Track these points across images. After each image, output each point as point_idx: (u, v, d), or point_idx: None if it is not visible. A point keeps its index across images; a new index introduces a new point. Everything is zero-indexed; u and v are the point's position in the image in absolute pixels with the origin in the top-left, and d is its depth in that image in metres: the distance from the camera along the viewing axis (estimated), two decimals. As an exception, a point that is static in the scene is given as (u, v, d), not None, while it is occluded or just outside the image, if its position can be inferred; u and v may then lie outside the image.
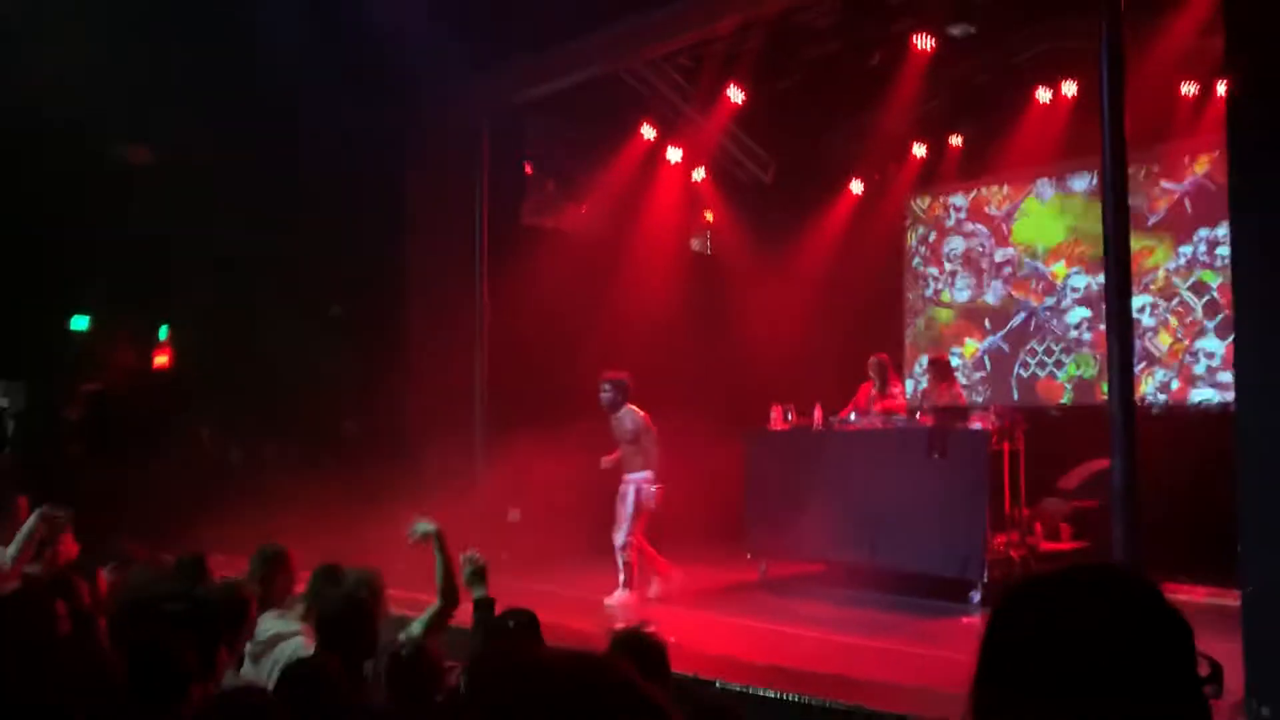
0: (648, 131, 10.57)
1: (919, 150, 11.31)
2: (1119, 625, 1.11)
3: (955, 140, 11.03)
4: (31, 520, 4.70)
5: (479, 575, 3.96)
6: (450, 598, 4.01)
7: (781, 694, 4.09)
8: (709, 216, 12.11)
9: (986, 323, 11.22)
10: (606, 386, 7.85)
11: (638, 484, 7.71)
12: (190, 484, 8.93)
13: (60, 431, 9.59)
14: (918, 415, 8.02)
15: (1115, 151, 5.17)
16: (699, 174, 11.43)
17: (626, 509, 7.67)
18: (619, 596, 7.50)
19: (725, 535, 8.74)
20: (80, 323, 10.50)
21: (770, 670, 4.62)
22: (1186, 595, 7.13)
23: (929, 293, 11.78)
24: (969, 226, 11.46)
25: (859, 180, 11.81)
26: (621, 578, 7.56)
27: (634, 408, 7.80)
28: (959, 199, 11.54)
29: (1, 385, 11.28)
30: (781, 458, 8.44)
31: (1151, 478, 6.16)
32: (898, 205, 11.88)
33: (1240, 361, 4.66)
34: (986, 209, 11.32)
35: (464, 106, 9.30)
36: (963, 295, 11.47)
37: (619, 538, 7.64)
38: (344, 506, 7.97)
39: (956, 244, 11.55)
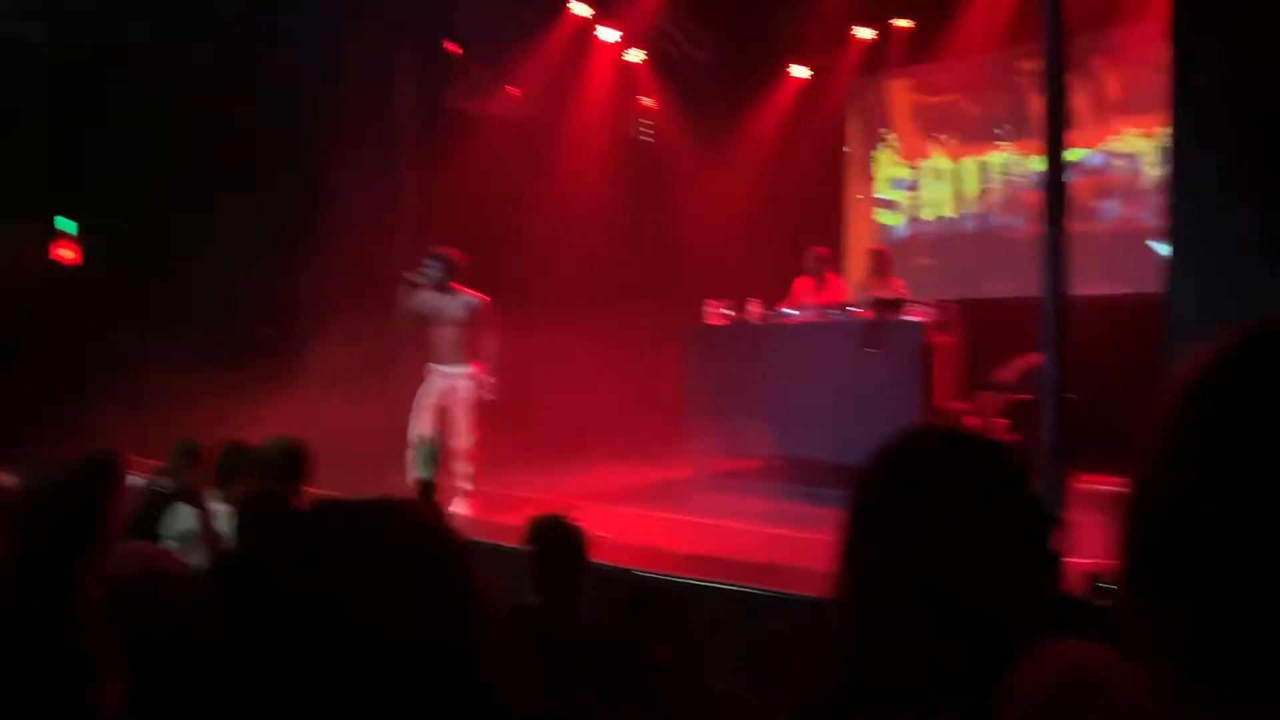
0: (580, 9, 10.32)
1: (864, 33, 11.20)
2: (966, 479, 1.19)
3: (902, 23, 10.94)
4: None
5: (432, 459, 4.00)
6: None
7: (701, 581, 4.21)
8: (647, 102, 11.94)
9: (935, 228, 11.29)
10: (431, 261, 7.09)
11: (469, 378, 7.10)
12: (99, 384, 8.80)
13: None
14: (855, 309, 8.12)
15: (1056, 29, 5.18)
16: (636, 55, 11.22)
17: (467, 411, 7.06)
18: (463, 505, 7.02)
19: (665, 432, 8.84)
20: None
21: (692, 559, 4.74)
22: (1120, 487, 7.41)
23: (876, 195, 11.81)
24: (918, 123, 11.45)
25: (801, 65, 11.69)
26: (466, 488, 7.09)
27: (466, 290, 7.15)
28: (909, 96, 11.49)
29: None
30: (719, 353, 8.52)
31: (1090, 370, 6.33)
32: (842, 93, 11.80)
33: (1175, 244, 4.77)
34: (935, 107, 11.30)
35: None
36: (907, 199, 11.50)
37: (462, 441, 7.05)
38: (263, 402, 7.93)
39: (905, 141, 11.55)
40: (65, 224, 10.56)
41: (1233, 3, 4.20)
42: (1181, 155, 5.60)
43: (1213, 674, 0.78)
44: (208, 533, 3.52)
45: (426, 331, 7.21)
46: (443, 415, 7.13)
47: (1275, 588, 0.76)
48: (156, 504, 3.80)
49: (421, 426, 7.03)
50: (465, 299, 7.09)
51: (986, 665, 1.09)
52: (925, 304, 7.86)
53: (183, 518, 3.72)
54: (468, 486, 7.08)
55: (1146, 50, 9.65)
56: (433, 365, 7.22)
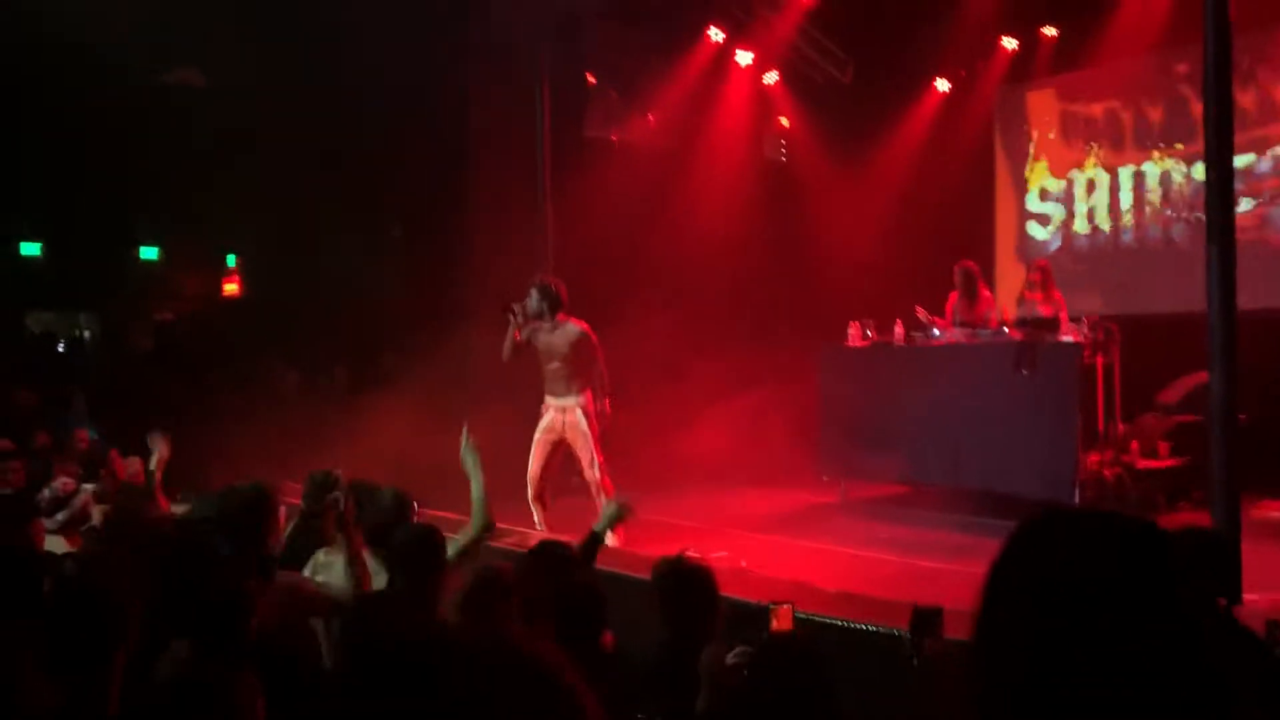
0: (715, 34, 10.29)
1: (1009, 43, 10.83)
2: (1118, 576, 1.07)
3: (1049, 31, 10.52)
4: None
5: (619, 518, 4.05)
6: (485, 522, 3.96)
7: (851, 622, 4.02)
8: (784, 122, 11.82)
9: (1090, 241, 10.76)
10: (533, 293, 6.75)
11: (582, 408, 6.78)
12: (265, 411, 9.15)
13: (133, 361, 9.90)
14: (1004, 329, 7.79)
15: (1219, 30, 4.85)
16: (771, 78, 11.14)
17: (587, 441, 6.74)
18: (611, 536, 6.91)
19: (803, 457, 8.65)
20: (150, 253, 10.80)
21: (841, 597, 4.55)
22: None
23: (1025, 205, 11.35)
24: (1068, 133, 10.97)
25: (944, 78, 11.38)
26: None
27: (572, 320, 6.82)
28: (1058, 105, 11.03)
29: (81, 318, 11.72)
30: (860, 375, 8.28)
31: (1262, 389, 5.87)
32: (987, 104, 11.41)
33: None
34: (1086, 116, 10.81)
35: (521, 16, 9.12)
36: (1059, 211, 11.01)
37: (594, 473, 6.73)
38: (415, 433, 8.09)
39: (1055, 152, 11.08)
40: (231, 260, 11.13)
41: None
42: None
43: None
44: (353, 571, 3.52)
45: (537, 365, 6.93)
46: (560, 449, 6.88)
47: None
48: (301, 537, 3.86)
49: (534, 463, 6.86)
50: (570, 329, 6.78)
51: None
52: (1080, 322, 7.47)
53: (322, 566, 3.70)
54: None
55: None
56: (546, 399, 6.94)
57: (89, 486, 4.74)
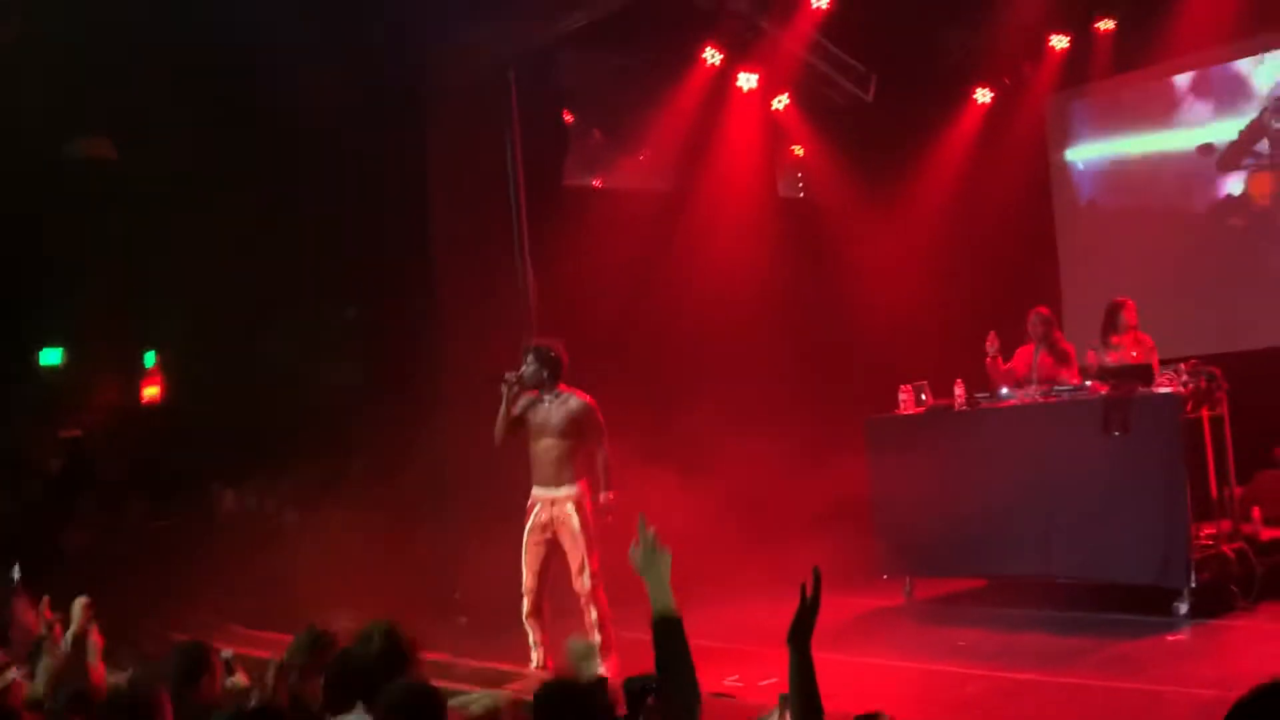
0: (712, 56, 10.41)
1: (1059, 42, 10.97)
2: None
3: (1104, 25, 10.67)
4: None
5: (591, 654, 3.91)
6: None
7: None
8: (798, 151, 11.92)
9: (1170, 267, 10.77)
10: (529, 358, 6.69)
11: (576, 501, 6.64)
12: (199, 543, 9.04)
13: (35, 487, 9.79)
14: (1086, 383, 7.76)
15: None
16: (781, 101, 11.26)
17: (578, 541, 6.57)
18: (604, 665, 6.25)
19: (852, 551, 8.54)
20: (51, 356, 10.70)
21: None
22: None
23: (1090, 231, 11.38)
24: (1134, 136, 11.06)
25: (985, 88, 11.50)
26: (598, 638, 6.48)
27: (573, 391, 6.73)
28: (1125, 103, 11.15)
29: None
30: (917, 449, 8.21)
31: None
32: (1038, 114, 11.52)
33: None
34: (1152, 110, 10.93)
35: (483, 51, 9.22)
36: (1131, 233, 11.05)
37: (584, 582, 6.58)
38: (384, 555, 8.00)
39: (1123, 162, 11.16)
40: (150, 358, 11.06)
41: None
42: None
43: None
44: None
45: (526, 444, 6.77)
46: (551, 549, 6.70)
47: None
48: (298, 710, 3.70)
49: (528, 572, 6.69)
50: (572, 402, 6.68)
51: None
52: (1177, 369, 7.44)
53: None
54: (597, 638, 6.50)
55: None
56: (534, 490, 6.77)
57: (11, 673, 4.58)
